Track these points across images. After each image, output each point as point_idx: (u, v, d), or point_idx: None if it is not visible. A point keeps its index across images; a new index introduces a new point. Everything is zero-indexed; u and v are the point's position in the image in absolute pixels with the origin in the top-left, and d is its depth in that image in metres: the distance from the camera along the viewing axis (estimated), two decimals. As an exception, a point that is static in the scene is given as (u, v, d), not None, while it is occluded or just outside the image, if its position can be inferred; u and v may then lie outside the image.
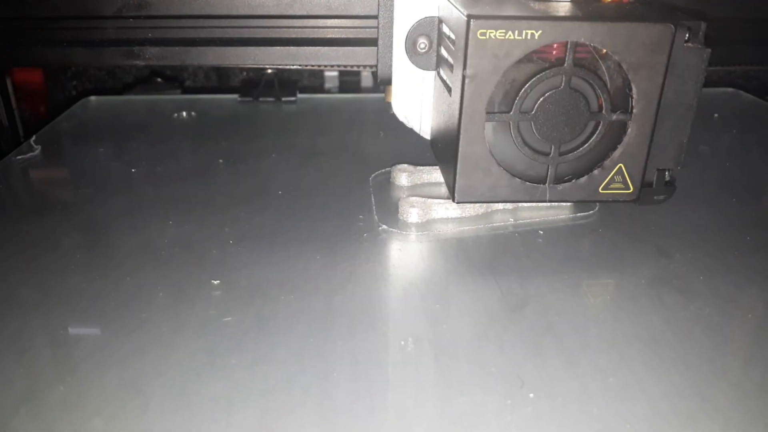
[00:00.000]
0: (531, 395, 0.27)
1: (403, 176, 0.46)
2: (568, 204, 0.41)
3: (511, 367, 0.28)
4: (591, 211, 0.42)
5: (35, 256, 0.37)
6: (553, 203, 0.40)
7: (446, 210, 0.41)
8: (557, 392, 0.27)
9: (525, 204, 0.41)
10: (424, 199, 0.41)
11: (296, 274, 0.35)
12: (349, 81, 0.79)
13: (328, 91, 0.74)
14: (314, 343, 0.30)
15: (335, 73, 0.79)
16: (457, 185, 0.37)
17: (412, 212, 0.40)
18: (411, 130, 0.46)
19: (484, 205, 0.41)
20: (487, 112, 0.35)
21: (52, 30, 0.48)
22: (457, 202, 0.38)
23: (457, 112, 0.35)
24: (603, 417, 0.26)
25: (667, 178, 0.38)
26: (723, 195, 0.45)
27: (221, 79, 0.79)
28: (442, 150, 0.41)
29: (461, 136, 0.35)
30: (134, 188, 0.46)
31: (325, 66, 0.47)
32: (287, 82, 0.68)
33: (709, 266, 0.36)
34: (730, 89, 0.69)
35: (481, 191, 0.37)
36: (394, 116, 0.45)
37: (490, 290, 0.34)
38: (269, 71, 0.64)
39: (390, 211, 0.42)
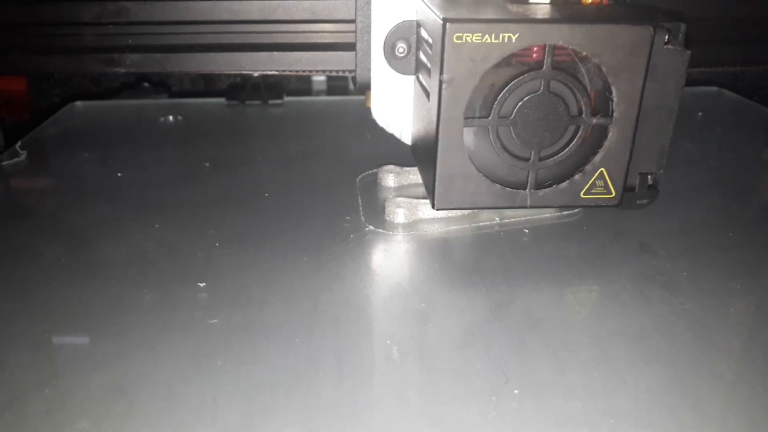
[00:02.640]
0: (516, 391, 0.27)
1: (390, 177, 0.46)
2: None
3: (497, 364, 0.28)
4: (576, 210, 0.42)
5: (20, 261, 0.36)
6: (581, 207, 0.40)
7: (432, 210, 0.41)
8: (541, 388, 0.27)
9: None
10: (410, 199, 0.41)
11: (282, 275, 0.35)
12: (336, 85, 0.79)
13: (316, 94, 0.74)
14: (300, 343, 0.30)
15: (323, 77, 0.79)
16: (436, 192, 0.36)
17: (398, 213, 0.40)
18: (395, 133, 0.46)
19: (470, 204, 0.41)
20: (465, 118, 0.34)
21: (30, 37, 0.47)
22: (437, 209, 0.37)
23: (435, 118, 0.35)
24: (586, 412, 0.26)
25: (650, 182, 0.38)
26: (706, 192, 0.46)
27: (208, 84, 0.79)
28: (422, 156, 0.40)
29: (439, 142, 0.35)
30: (120, 193, 0.45)
31: (309, 71, 0.47)
32: (274, 86, 0.68)
33: (691, 262, 0.37)
34: (713, 88, 0.70)
35: (461, 198, 0.37)
36: (379, 119, 0.45)
37: (475, 289, 0.34)
38: (255, 75, 0.64)
39: (377, 212, 0.42)
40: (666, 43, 0.34)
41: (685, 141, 0.55)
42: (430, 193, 0.37)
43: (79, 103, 0.65)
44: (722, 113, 0.64)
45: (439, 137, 0.35)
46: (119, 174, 0.48)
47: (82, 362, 0.28)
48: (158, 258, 0.37)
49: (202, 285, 0.34)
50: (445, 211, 0.41)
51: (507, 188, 0.37)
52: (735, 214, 0.43)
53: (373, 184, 0.46)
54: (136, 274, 0.35)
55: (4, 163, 0.50)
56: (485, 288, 0.34)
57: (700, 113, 0.62)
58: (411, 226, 0.40)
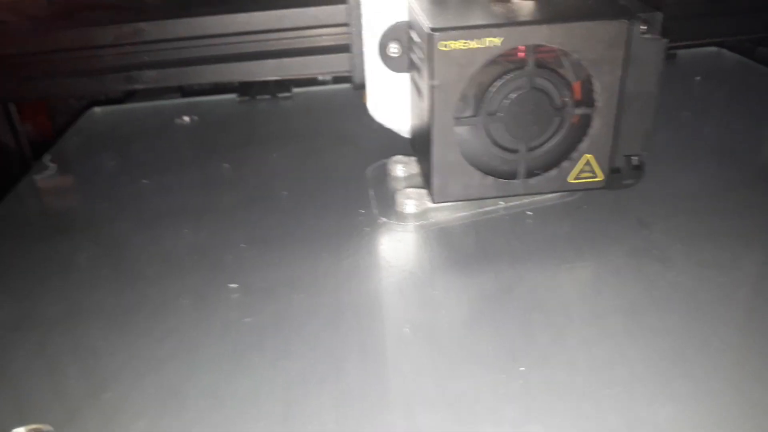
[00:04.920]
0: (522, 369, 0.30)
1: (399, 167, 0.48)
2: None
3: (505, 345, 0.31)
4: (576, 189, 0.44)
5: (66, 275, 0.40)
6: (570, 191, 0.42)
7: (440, 199, 0.43)
8: (546, 365, 0.30)
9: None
10: (418, 190, 0.44)
11: (306, 273, 0.38)
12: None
13: (322, 84, 0.76)
14: (326, 336, 0.33)
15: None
16: (433, 188, 0.39)
17: (408, 204, 0.43)
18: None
19: (475, 191, 0.43)
20: (455, 118, 0.37)
21: (54, 63, 0.50)
22: (436, 203, 0.40)
23: (428, 118, 0.37)
24: (587, 384, 0.29)
25: (635, 163, 0.41)
26: (704, 160, 0.48)
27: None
28: (420, 151, 0.43)
29: (433, 142, 0.38)
30: (147, 200, 0.48)
31: (314, 74, 0.49)
32: (282, 79, 0.70)
33: (687, 234, 0.39)
34: (712, 48, 0.71)
35: (457, 191, 0.40)
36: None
37: (484, 274, 0.37)
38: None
39: (388, 203, 0.45)
40: (643, 33, 0.36)
41: (684, 105, 0.57)
42: (428, 188, 0.40)
43: (97, 109, 0.67)
44: (722, 76, 0.65)
45: (433, 137, 0.37)
46: (144, 181, 0.51)
47: (135, 367, 0.32)
48: (191, 263, 0.40)
49: (234, 286, 0.37)
50: (453, 200, 0.43)
51: (499, 179, 0.39)
52: (732, 182, 0.45)
53: (383, 174, 0.49)
54: (174, 280, 0.38)
55: (35, 176, 0.53)
56: (493, 273, 0.37)
57: (698, 77, 0.64)
58: (421, 215, 0.43)
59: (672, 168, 0.47)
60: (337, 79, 0.79)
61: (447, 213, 0.43)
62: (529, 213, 0.42)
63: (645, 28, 0.36)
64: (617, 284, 0.35)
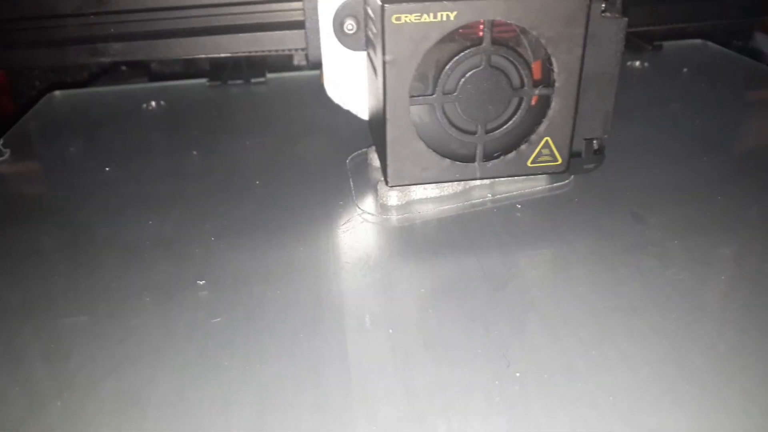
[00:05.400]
0: (517, 374, 0.28)
1: (380, 157, 0.46)
2: (544, 175, 0.42)
3: (497, 348, 0.29)
4: (567, 181, 0.42)
5: (18, 267, 0.36)
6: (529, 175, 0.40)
7: (425, 190, 0.41)
8: (543, 368, 0.28)
9: (502, 178, 0.41)
10: (402, 180, 0.41)
11: (281, 268, 0.35)
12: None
13: (297, 68, 0.73)
14: (303, 337, 0.30)
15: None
16: (389, 170, 0.37)
17: (391, 195, 0.41)
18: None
19: (461, 182, 0.41)
20: (411, 96, 0.35)
21: (13, 32, 0.46)
22: (390, 186, 0.38)
23: (382, 97, 0.35)
24: (587, 390, 0.27)
25: (596, 146, 0.40)
26: (695, 153, 0.46)
27: (188, 63, 0.77)
28: (376, 132, 0.41)
29: (388, 121, 0.36)
30: (110, 189, 0.45)
31: (268, 51, 0.47)
32: (256, 63, 0.67)
33: (683, 229, 0.37)
34: (698, 41, 0.70)
35: (413, 173, 0.38)
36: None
37: (473, 270, 0.34)
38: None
39: (369, 194, 0.42)
40: (603, 12, 0.35)
41: (672, 98, 0.55)
42: (383, 171, 0.38)
43: (57, 93, 0.64)
44: (708, 68, 0.64)
45: (387, 116, 0.36)
46: (107, 168, 0.48)
47: (90, 371, 0.29)
48: (156, 257, 0.37)
49: (201, 283, 0.34)
50: (438, 191, 0.41)
51: (457, 162, 0.38)
52: (724, 174, 0.44)
53: (363, 164, 0.46)
54: (136, 275, 0.35)
55: (-12, 162, 0.50)
56: (482, 270, 0.34)
57: (685, 69, 0.62)
58: (404, 207, 0.40)
59: (660, 158, 0.45)
60: (315, 65, 0.76)
61: (431, 205, 0.41)
62: (518, 205, 0.40)
63: (604, 6, 0.35)
64: (614, 282, 0.33)
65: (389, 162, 0.37)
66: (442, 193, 0.41)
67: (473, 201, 0.41)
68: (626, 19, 0.36)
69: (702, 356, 0.28)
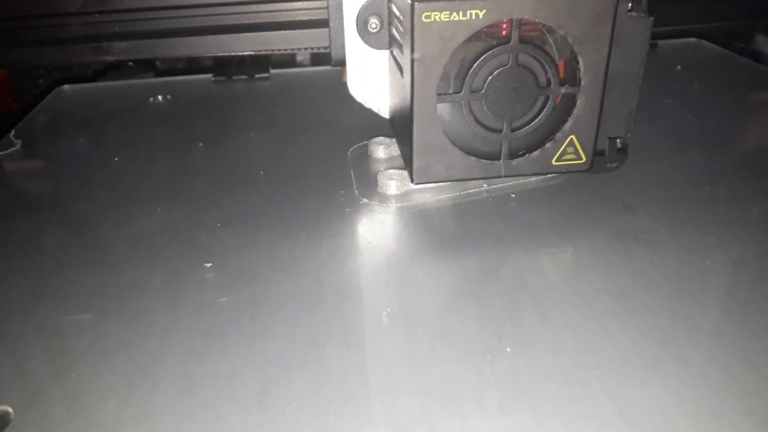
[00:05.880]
0: (508, 349, 0.29)
1: (380, 149, 0.47)
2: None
3: (490, 326, 0.31)
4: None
5: (30, 253, 0.38)
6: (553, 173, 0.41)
7: (422, 180, 0.42)
8: (532, 345, 0.29)
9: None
10: (401, 171, 0.43)
11: (285, 252, 0.37)
12: (321, 54, 0.79)
13: (300, 65, 0.75)
14: (305, 318, 0.32)
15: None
16: (414, 167, 0.38)
17: (390, 185, 0.42)
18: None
19: (459, 173, 0.42)
20: (438, 94, 0.36)
21: (17, 30, 0.47)
22: (416, 184, 0.39)
23: (409, 95, 0.36)
24: (574, 366, 0.28)
25: (619, 145, 0.40)
26: (686, 148, 0.48)
27: (192, 59, 0.79)
28: (400, 130, 0.42)
29: (414, 119, 0.36)
30: (118, 178, 0.47)
31: (292, 49, 0.48)
32: (260, 59, 0.68)
33: (671, 218, 0.39)
34: (692, 39, 0.71)
35: (438, 171, 0.38)
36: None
37: (467, 256, 0.36)
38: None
39: (369, 185, 0.43)
40: (629, 11, 0.36)
41: (665, 95, 0.56)
42: (409, 168, 0.39)
43: (66, 87, 0.65)
44: (701, 66, 0.66)
45: (414, 114, 0.36)
46: (116, 159, 0.49)
47: (103, 347, 0.30)
48: (164, 242, 0.38)
49: (208, 265, 0.36)
50: (435, 181, 0.42)
51: (482, 159, 0.38)
52: (713, 169, 0.45)
53: (364, 156, 0.48)
54: (145, 259, 0.37)
55: (0, 153, 0.51)
56: (477, 254, 0.36)
57: (678, 66, 0.64)
58: (403, 197, 0.42)
59: (654, 154, 0.46)
60: (316, 61, 0.77)
61: (429, 195, 0.42)
62: (512, 196, 0.42)
63: (631, 5, 0.35)
64: (603, 266, 0.35)
65: (415, 159, 0.38)
66: (440, 183, 0.43)
67: (469, 191, 0.42)
68: (652, 18, 0.36)
69: (684, 335, 0.30)
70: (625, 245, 0.36)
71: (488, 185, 0.43)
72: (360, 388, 0.28)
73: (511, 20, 0.35)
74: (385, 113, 0.46)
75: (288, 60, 0.76)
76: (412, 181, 0.39)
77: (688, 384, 0.27)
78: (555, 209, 0.40)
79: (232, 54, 0.49)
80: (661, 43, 0.69)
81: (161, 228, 0.39)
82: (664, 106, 0.55)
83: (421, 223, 0.39)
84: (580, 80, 0.37)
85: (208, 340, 0.30)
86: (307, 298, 0.33)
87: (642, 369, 0.28)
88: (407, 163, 0.39)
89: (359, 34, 0.42)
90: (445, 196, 0.42)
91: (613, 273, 0.34)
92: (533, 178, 0.43)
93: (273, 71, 0.66)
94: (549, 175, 0.43)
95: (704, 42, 0.70)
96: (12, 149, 0.52)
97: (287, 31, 0.49)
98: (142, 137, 0.54)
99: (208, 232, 0.39)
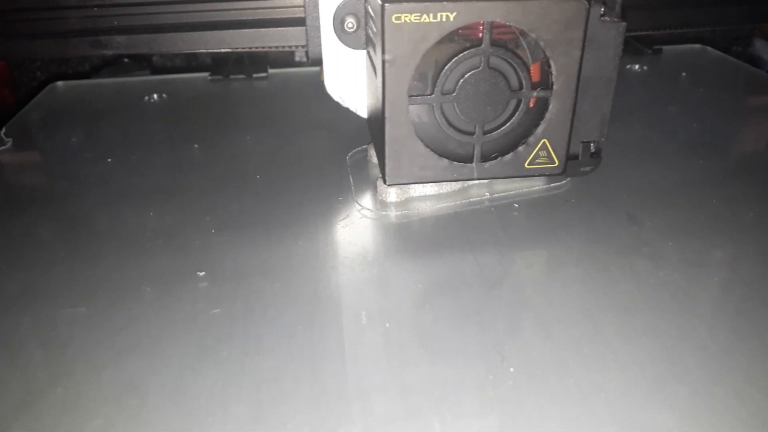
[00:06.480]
0: (511, 369, 0.28)
1: (380, 154, 0.46)
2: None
3: (492, 344, 0.30)
4: (564, 182, 0.43)
5: (19, 257, 0.37)
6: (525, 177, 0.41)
7: (423, 188, 0.41)
8: (536, 365, 0.28)
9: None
10: (401, 177, 0.42)
11: (280, 261, 0.36)
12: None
13: (299, 64, 0.74)
14: (302, 330, 0.31)
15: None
16: (386, 168, 0.38)
17: (390, 192, 0.41)
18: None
19: (460, 181, 0.41)
20: (410, 96, 0.36)
21: (14, 23, 0.46)
22: (388, 185, 0.39)
23: (381, 96, 0.36)
24: (579, 388, 0.27)
25: (593, 149, 0.40)
26: (692, 156, 0.47)
27: (190, 56, 0.78)
28: (374, 132, 0.41)
29: (386, 120, 0.36)
30: (111, 180, 0.45)
31: (268, 48, 0.47)
32: (258, 58, 0.67)
33: (677, 231, 0.38)
34: (697, 45, 0.70)
35: (411, 172, 0.38)
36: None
37: (469, 268, 0.35)
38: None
39: (368, 191, 0.42)
40: (602, 16, 0.36)
41: (670, 101, 0.56)
42: (381, 169, 0.39)
43: (60, 84, 0.64)
44: (706, 72, 0.65)
45: (386, 115, 0.36)
46: (109, 159, 0.48)
47: (91, 359, 0.29)
48: (156, 248, 0.37)
49: (201, 274, 0.35)
50: (437, 189, 0.41)
51: (454, 162, 0.38)
52: (718, 178, 0.44)
53: (363, 160, 0.47)
54: (136, 265, 0.35)
55: (-10, 151, 0.50)
56: (479, 267, 0.35)
57: (683, 73, 0.63)
58: (403, 204, 0.41)
59: (657, 160, 0.45)
60: (315, 62, 0.76)
61: (430, 202, 0.41)
62: (515, 204, 0.41)
63: (603, 10, 0.35)
64: (608, 282, 0.34)
65: (387, 160, 0.38)
66: (441, 191, 0.42)
67: (471, 199, 0.41)
68: (625, 23, 0.36)
69: (692, 356, 0.29)
70: (630, 259, 0.35)
71: (490, 194, 0.42)
72: (356, 407, 0.27)
73: (481, 23, 0.34)
74: (363, 113, 0.45)
75: (288, 60, 0.75)
76: (384, 181, 0.38)
77: (697, 408, 0.26)
78: (558, 221, 0.39)
79: (231, 50, 0.48)
80: (666, 48, 0.68)
81: (154, 233, 0.38)
82: (670, 113, 0.54)
83: (421, 233, 0.38)
84: (552, 84, 0.37)
85: (201, 354, 0.29)
86: (303, 311, 0.32)
87: (648, 391, 0.27)
88: (381, 163, 0.39)
89: (336, 33, 0.42)
90: (446, 204, 0.41)
91: (618, 289, 0.33)
92: (536, 187, 0.42)
93: (271, 71, 0.65)
94: (553, 184, 0.42)
95: (709, 48, 0.70)
96: (3, 147, 0.50)
97: (287, 28, 0.47)
98: (135, 137, 0.52)
99: (201, 238, 0.38)
